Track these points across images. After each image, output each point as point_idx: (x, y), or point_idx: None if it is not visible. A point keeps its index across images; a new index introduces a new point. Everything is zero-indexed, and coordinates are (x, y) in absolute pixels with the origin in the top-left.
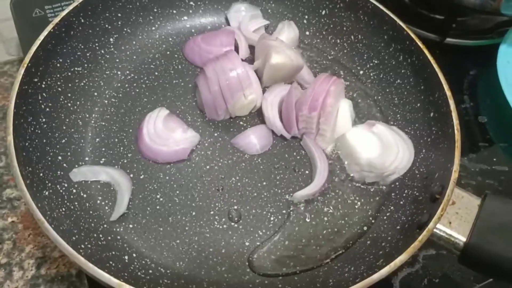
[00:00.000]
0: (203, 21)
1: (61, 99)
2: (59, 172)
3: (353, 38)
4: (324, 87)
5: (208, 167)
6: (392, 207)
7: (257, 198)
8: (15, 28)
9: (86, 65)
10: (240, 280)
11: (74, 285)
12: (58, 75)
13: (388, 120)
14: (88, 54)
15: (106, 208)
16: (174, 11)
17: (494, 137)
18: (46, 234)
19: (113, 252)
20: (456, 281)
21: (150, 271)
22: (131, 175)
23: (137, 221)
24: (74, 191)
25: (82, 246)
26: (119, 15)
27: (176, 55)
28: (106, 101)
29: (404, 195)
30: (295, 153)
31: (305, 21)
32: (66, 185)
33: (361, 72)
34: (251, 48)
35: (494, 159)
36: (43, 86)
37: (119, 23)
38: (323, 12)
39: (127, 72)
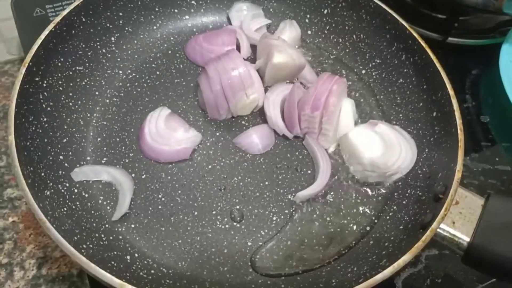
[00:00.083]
0: (204, 20)
1: (62, 99)
2: (60, 172)
3: (355, 37)
4: (327, 86)
5: (210, 166)
6: (395, 207)
7: (259, 198)
8: (16, 27)
9: (87, 64)
10: (242, 280)
11: (75, 285)
12: (59, 75)
13: (390, 120)
14: (89, 53)
15: (108, 208)
16: (176, 10)
17: (497, 137)
18: (47, 234)
19: (115, 252)
20: (459, 281)
21: (152, 271)
22: (133, 175)
23: (139, 221)
24: (76, 191)
25: (84, 246)
26: (121, 14)
27: (177, 54)
28: (107, 101)
29: (407, 195)
30: (297, 153)
31: (307, 20)
32: (67, 184)
33: (363, 71)
34: (253, 47)
35: (497, 159)
36: (44, 85)
37: (121, 22)
38: (325, 11)
39: (129, 71)
